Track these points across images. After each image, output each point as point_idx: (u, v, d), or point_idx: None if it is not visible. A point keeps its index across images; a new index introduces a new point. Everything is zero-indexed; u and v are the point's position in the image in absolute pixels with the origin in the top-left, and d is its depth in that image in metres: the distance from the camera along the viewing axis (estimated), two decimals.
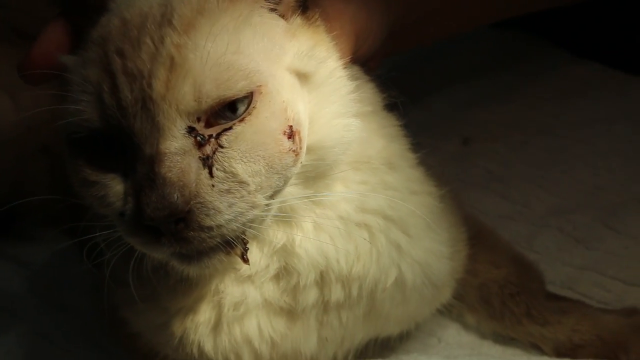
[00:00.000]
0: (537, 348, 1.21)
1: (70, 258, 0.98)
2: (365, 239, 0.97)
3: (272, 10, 0.91)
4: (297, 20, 0.92)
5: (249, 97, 0.83)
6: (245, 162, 0.83)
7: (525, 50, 2.09)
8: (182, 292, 0.97)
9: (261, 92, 0.84)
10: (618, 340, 1.18)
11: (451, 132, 1.80)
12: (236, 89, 0.82)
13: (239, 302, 0.97)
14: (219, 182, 0.82)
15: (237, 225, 0.84)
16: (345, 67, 0.96)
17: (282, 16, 0.91)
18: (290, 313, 0.99)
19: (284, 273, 0.97)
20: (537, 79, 1.97)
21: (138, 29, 0.83)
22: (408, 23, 1.30)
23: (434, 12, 1.39)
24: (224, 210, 0.82)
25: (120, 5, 0.87)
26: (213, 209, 0.82)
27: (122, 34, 0.84)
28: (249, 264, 0.92)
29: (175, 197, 0.80)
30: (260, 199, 0.85)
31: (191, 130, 0.82)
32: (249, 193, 0.84)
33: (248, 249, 0.91)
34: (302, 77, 0.90)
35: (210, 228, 0.82)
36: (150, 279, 0.96)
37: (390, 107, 1.07)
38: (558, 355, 1.19)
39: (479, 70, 2.02)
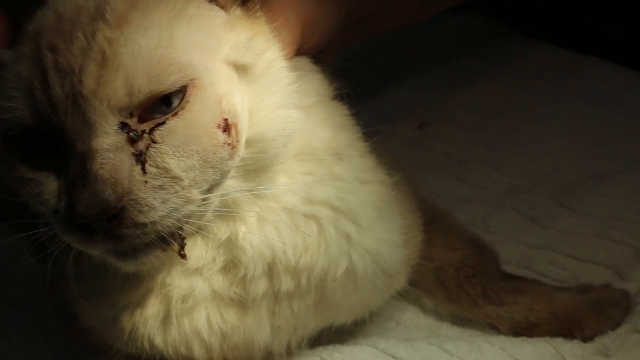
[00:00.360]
0: (494, 328, 1.22)
1: (23, 254, 0.97)
2: (312, 231, 0.97)
3: (212, 1, 0.90)
4: (237, 11, 0.91)
5: (182, 91, 0.82)
6: (178, 157, 0.82)
7: (480, 34, 2.09)
8: (130, 286, 0.96)
9: (195, 86, 0.83)
10: (573, 318, 1.19)
11: (408, 117, 1.80)
12: (168, 83, 0.81)
13: (186, 295, 0.96)
14: (152, 178, 0.82)
15: (172, 221, 0.83)
16: (288, 59, 0.95)
17: (222, 7, 0.90)
18: (242, 304, 0.99)
19: (231, 265, 0.96)
20: (491, 62, 1.98)
21: (71, 23, 0.82)
22: (364, 15, 1.30)
23: (391, 3, 1.40)
24: (157, 206, 0.81)
25: None
26: (146, 205, 0.81)
27: (56, 28, 0.83)
28: (186, 260, 0.92)
29: (107, 194, 0.79)
30: (195, 194, 0.84)
31: (124, 126, 0.81)
32: (183, 188, 0.83)
33: (185, 244, 0.90)
34: (241, 69, 0.89)
35: (144, 225, 0.81)
36: (98, 274, 0.96)
37: (346, 96, 1.07)
38: (515, 334, 1.20)
39: (435, 56, 2.02)
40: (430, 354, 1.14)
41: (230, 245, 0.95)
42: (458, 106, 1.83)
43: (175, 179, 0.82)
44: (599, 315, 1.20)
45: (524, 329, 1.20)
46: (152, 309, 0.97)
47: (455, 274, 1.23)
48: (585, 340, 1.17)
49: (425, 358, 1.13)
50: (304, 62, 1.04)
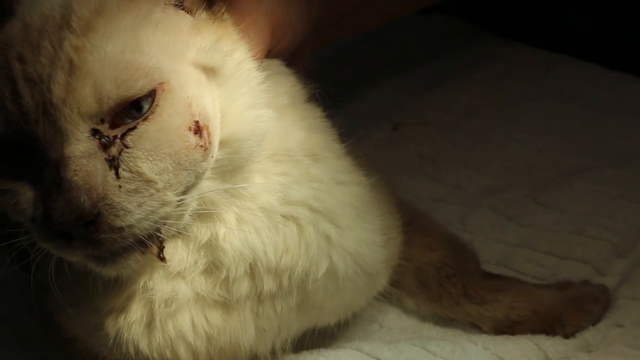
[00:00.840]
0: (476, 327, 1.23)
1: (2, 264, 0.97)
2: (292, 232, 0.98)
3: (178, 6, 0.90)
4: (203, 15, 0.92)
5: (152, 95, 0.83)
6: (151, 161, 0.83)
7: (452, 35, 2.11)
8: (112, 292, 0.96)
9: (164, 90, 0.83)
10: (554, 314, 1.20)
11: (382, 119, 1.80)
12: (136, 87, 0.81)
13: (169, 299, 0.96)
14: (125, 182, 0.82)
15: (149, 223, 0.84)
16: (258, 59, 0.96)
17: (189, 12, 0.91)
18: (226, 305, 0.99)
19: (213, 267, 0.96)
20: (464, 62, 1.99)
21: (38, 33, 0.82)
22: (335, 18, 1.31)
23: (362, 4, 1.40)
24: (133, 210, 0.82)
25: (23, 9, 0.85)
26: (122, 209, 0.81)
27: (23, 38, 0.83)
28: (166, 263, 0.92)
29: (82, 200, 0.79)
30: (171, 196, 0.85)
31: (95, 132, 0.82)
32: (158, 191, 0.83)
33: (164, 247, 0.91)
34: (209, 71, 0.89)
35: (121, 229, 0.82)
36: (80, 281, 0.95)
37: (320, 98, 1.07)
38: (497, 332, 1.20)
39: (408, 57, 2.03)
40: (414, 355, 1.14)
41: (211, 247, 0.95)
42: (432, 107, 1.83)
43: (150, 182, 0.83)
44: (579, 311, 1.21)
45: (506, 327, 1.20)
46: (135, 314, 0.97)
47: (436, 274, 1.23)
48: (566, 336, 1.18)
49: (409, 359, 1.13)
50: (276, 64, 1.05)
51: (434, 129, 1.76)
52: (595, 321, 1.20)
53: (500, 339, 1.17)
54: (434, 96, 1.87)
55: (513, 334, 1.19)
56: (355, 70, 1.94)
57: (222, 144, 0.90)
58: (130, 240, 0.84)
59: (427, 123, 1.78)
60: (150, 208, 0.83)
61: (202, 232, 0.94)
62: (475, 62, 1.97)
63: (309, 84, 1.07)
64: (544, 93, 1.82)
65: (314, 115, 1.06)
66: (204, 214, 0.93)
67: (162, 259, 0.91)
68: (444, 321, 1.25)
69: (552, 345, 1.16)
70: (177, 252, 0.95)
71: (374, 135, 1.72)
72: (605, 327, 1.19)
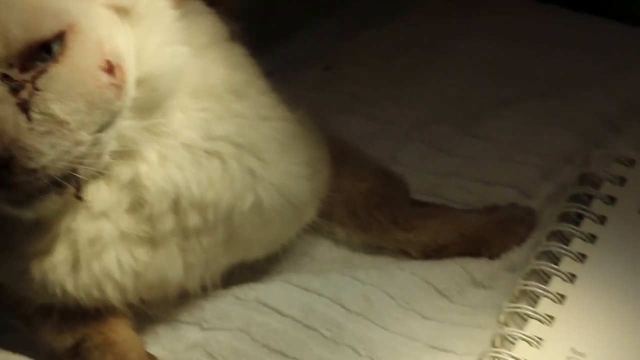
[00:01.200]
0: (405, 253, 1.25)
1: None
2: (215, 166, 0.99)
3: None
4: None
5: (61, 38, 0.83)
6: (62, 102, 0.83)
7: None
8: (35, 235, 0.97)
9: (74, 31, 0.84)
10: (480, 237, 1.22)
11: (313, 61, 1.80)
12: (44, 29, 0.82)
13: (93, 238, 0.97)
14: (37, 124, 0.82)
15: (64, 163, 0.84)
16: (176, 1, 0.96)
17: None
18: (152, 241, 1.00)
19: (137, 205, 0.97)
20: (394, 2, 1.98)
21: None
22: None
23: None
24: (46, 151, 0.82)
25: None
26: (35, 151, 0.81)
27: None
28: (84, 201, 0.93)
29: None
30: (84, 136, 0.85)
31: (4, 77, 0.81)
32: (71, 131, 0.84)
33: (81, 186, 0.91)
34: (122, 11, 0.90)
35: (34, 170, 0.82)
36: (3, 228, 0.96)
37: (248, 39, 1.07)
38: (425, 257, 1.23)
39: (341, 1, 2.02)
40: (343, 284, 1.16)
41: (134, 185, 0.96)
42: (363, 47, 1.82)
43: (62, 123, 0.83)
44: (505, 232, 1.23)
45: (434, 252, 1.22)
46: (59, 255, 0.97)
47: (365, 203, 1.24)
48: (492, 257, 1.21)
49: (337, 288, 1.15)
50: (194, 3, 1.05)
51: (366, 69, 1.75)
52: (520, 242, 1.23)
53: (427, 264, 1.20)
54: (367, 38, 1.86)
55: (440, 257, 1.21)
56: (284, 13, 1.92)
57: (139, 82, 0.91)
58: (45, 181, 0.84)
59: (358, 64, 1.78)
60: (63, 148, 0.84)
61: (123, 171, 0.95)
62: (406, 5, 1.97)
63: (232, 24, 1.07)
64: (473, 29, 1.82)
65: (237, 53, 1.07)
66: (125, 153, 0.94)
67: (80, 198, 0.92)
68: (374, 250, 1.27)
69: (478, 266, 1.18)
70: (99, 192, 0.95)
71: (305, 77, 1.72)
72: (530, 248, 1.21)
